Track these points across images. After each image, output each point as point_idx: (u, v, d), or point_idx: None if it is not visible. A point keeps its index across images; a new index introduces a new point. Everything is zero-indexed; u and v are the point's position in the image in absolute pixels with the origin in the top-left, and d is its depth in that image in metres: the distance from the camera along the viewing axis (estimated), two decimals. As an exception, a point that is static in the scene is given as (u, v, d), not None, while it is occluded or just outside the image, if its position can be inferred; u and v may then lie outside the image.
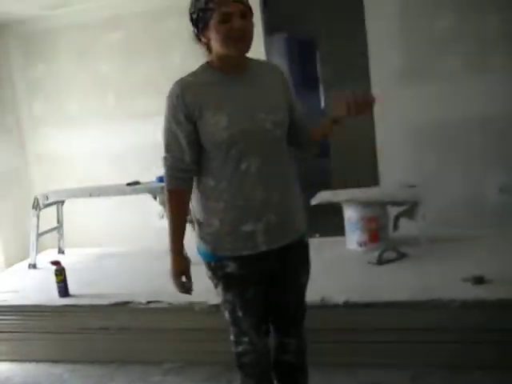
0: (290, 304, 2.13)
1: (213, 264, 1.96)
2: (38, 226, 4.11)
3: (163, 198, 3.69)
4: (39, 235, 4.16)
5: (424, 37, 4.40)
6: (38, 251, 4.21)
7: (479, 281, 2.83)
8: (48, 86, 5.17)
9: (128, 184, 4.00)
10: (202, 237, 1.97)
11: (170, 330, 3.09)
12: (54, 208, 4.39)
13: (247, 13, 1.84)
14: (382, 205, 3.41)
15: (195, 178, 1.95)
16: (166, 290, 3.16)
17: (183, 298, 3.00)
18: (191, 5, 1.88)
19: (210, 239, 1.94)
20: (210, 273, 1.99)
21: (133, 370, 3.08)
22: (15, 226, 4.91)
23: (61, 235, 4.38)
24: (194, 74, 1.94)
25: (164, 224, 4.32)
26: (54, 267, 3.37)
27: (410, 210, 3.38)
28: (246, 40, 1.86)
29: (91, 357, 3.21)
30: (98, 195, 4.00)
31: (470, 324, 2.66)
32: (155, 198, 3.78)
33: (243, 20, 1.82)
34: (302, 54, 8.03)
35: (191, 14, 1.88)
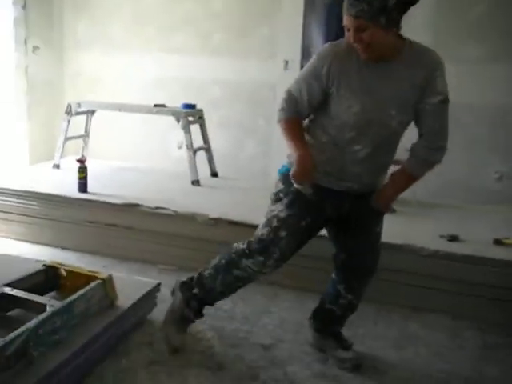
0: (362, 251, 2.26)
1: None
2: (66, 131, 4.43)
3: (185, 123, 4.00)
4: (66, 139, 4.48)
5: (455, 22, 4.59)
6: (62, 155, 4.55)
7: (454, 239, 3.12)
8: (94, 9, 5.47)
9: (155, 105, 4.29)
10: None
11: (170, 236, 3.42)
12: (83, 119, 4.72)
13: (365, 26, 1.84)
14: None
15: (310, 123, 2.16)
16: (174, 202, 3.54)
17: (187, 209, 3.40)
18: None
19: None
20: (282, 185, 2.15)
21: (133, 265, 3.42)
22: (44, 131, 5.30)
23: (86, 144, 4.70)
24: (347, 48, 1.98)
25: (180, 154, 4.69)
26: (78, 164, 3.72)
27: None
28: (367, 51, 1.91)
29: (97, 249, 3.56)
30: (127, 111, 4.31)
31: (436, 272, 2.97)
32: (178, 121, 4.06)
33: (360, 34, 1.86)
34: (340, 19, 8.10)
35: None
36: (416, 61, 1.98)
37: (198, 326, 2.58)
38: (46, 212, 3.70)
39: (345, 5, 1.89)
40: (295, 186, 2.05)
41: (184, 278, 2.44)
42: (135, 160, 5.18)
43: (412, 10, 4.65)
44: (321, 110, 2.09)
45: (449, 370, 2.44)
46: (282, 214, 2.11)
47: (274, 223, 2.12)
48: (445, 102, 2.01)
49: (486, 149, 4.71)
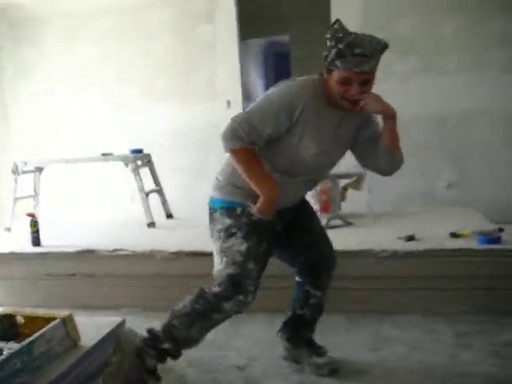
0: (317, 242, 2.33)
1: (239, 211, 2.10)
2: (15, 191, 4.35)
3: (134, 166, 4.00)
4: (16, 200, 4.39)
5: (383, 37, 4.83)
6: (14, 217, 4.43)
7: (410, 238, 3.17)
8: (34, 67, 5.55)
9: (103, 154, 4.28)
10: (234, 191, 2.12)
11: (131, 277, 3.35)
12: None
13: (370, 79, 1.95)
14: (333, 178, 3.73)
15: None
16: (131, 244, 3.49)
17: (145, 247, 3.36)
18: (331, 37, 1.95)
19: (244, 194, 2.09)
20: (230, 220, 2.10)
21: (96, 312, 3.31)
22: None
23: (37, 203, 4.60)
24: (314, 92, 2.02)
25: (133, 208, 4.70)
26: (29, 219, 3.63)
27: (357, 181, 3.72)
28: (358, 103, 1.97)
29: (57, 302, 3.40)
30: (75, 162, 4.28)
31: (399, 272, 3.00)
32: (127, 165, 4.06)
33: (362, 86, 1.93)
34: (276, 59, 8.40)
35: (327, 44, 1.97)
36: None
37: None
38: (-1, 272, 3.57)
39: (351, 60, 1.89)
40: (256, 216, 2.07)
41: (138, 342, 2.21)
42: (89, 216, 5.12)
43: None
44: (268, 143, 2.07)
45: (426, 361, 2.43)
46: (243, 248, 2.09)
47: (238, 258, 2.09)
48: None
49: (433, 159, 4.88)
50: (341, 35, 1.93)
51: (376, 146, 2.12)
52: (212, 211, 2.20)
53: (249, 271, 2.08)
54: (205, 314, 2.12)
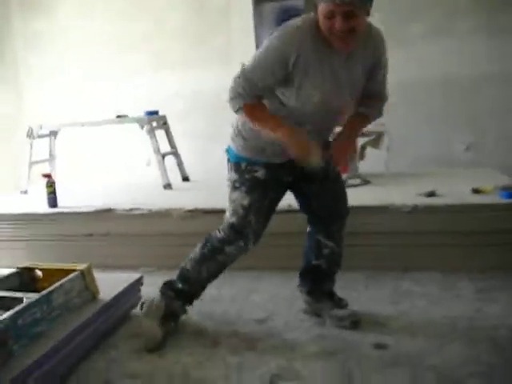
0: (331, 190, 2.26)
1: (243, 166, 2.14)
2: (30, 155, 4.33)
3: (149, 128, 3.96)
4: (31, 164, 4.38)
5: (398, 4, 4.73)
6: (29, 181, 4.42)
7: (431, 194, 3.11)
8: (45, 40, 5.49)
9: (118, 116, 4.24)
10: (241, 144, 2.14)
11: (148, 236, 3.33)
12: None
13: (355, 12, 1.78)
14: (351, 137, 3.66)
15: None
16: (148, 203, 3.47)
17: (161, 205, 3.32)
18: None
19: (249, 148, 2.12)
20: (236, 175, 2.16)
21: (112, 272, 3.31)
22: (7, 162, 5.22)
23: (53, 168, 4.59)
24: (311, 34, 1.89)
25: (149, 171, 4.67)
26: (45, 179, 3.62)
27: (376, 140, 3.65)
28: (347, 39, 1.84)
29: (75, 262, 3.42)
30: (90, 125, 4.24)
31: (420, 228, 2.93)
32: (142, 127, 4.01)
33: (348, 20, 1.78)
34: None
35: None
36: (367, 45, 2.00)
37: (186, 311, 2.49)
38: (16, 233, 3.57)
39: None
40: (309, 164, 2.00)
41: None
42: (104, 179, 5.12)
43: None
44: (269, 97, 2.02)
45: (450, 315, 2.39)
46: (245, 202, 2.17)
47: (240, 211, 2.18)
48: (386, 72, 2.14)
49: (450, 123, 4.79)
50: None
51: (371, 91, 2.12)
52: (227, 160, 2.25)
53: (249, 222, 2.18)
54: (211, 255, 2.27)
